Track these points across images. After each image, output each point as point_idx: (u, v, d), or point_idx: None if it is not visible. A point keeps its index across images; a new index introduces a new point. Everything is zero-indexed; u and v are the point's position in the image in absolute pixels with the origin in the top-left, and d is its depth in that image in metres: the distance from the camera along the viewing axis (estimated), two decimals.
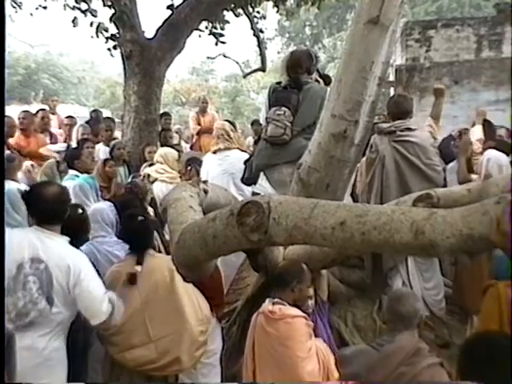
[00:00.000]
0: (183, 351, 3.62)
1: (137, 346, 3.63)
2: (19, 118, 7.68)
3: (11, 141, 7.34)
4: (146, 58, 7.71)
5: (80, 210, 4.13)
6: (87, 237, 4.19)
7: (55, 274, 3.22)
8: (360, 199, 4.78)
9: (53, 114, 9.98)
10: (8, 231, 3.45)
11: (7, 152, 6.57)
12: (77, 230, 3.96)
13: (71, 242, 3.85)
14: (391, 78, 12.66)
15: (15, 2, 9.36)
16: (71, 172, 5.93)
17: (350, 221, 2.16)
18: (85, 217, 4.16)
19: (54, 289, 3.23)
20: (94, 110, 9.09)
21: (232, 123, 6.56)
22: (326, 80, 4.91)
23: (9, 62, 30.53)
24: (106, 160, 6.40)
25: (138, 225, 3.92)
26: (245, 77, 16.94)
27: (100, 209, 4.50)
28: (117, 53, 8.30)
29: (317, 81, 4.89)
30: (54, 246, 3.30)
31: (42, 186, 3.57)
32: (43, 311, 3.19)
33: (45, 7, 9.52)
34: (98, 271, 3.50)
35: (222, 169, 6.02)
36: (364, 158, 4.70)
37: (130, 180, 6.17)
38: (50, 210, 3.37)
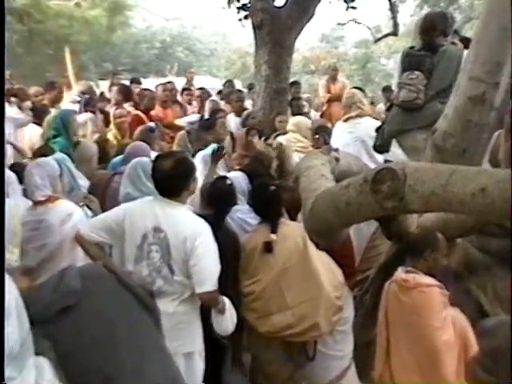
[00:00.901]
0: (321, 316, 3.66)
1: (274, 312, 3.71)
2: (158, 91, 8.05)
3: (152, 113, 7.69)
4: (276, 27, 7.71)
5: (228, 182, 4.24)
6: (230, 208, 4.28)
7: (172, 243, 3.33)
8: (502, 166, 4.56)
9: (190, 85, 10.34)
10: (133, 202, 3.62)
11: (150, 123, 6.92)
12: (225, 201, 4.11)
13: (219, 213, 3.98)
14: None
15: None
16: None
17: (491, 187, 2.06)
18: (233, 188, 4.24)
19: (173, 257, 3.35)
20: (227, 81, 9.23)
21: (362, 90, 6.46)
22: (465, 43, 4.69)
23: (146, 36, 31.84)
24: (248, 129, 6.51)
25: (270, 194, 3.98)
26: (376, 42, 16.59)
27: (233, 177, 4.61)
28: (247, 23, 8.39)
29: (453, 43, 4.69)
30: (173, 215, 3.41)
31: (162, 157, 3.64)
32: (167, 279, 3.33)
33: None
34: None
35: (353, 136, 5.96)
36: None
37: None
38: (168, 182, 3.47)
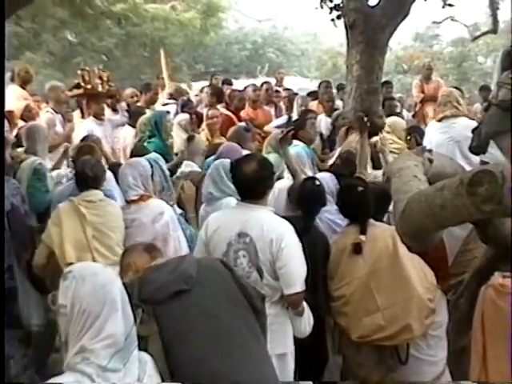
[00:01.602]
0: (413, 318, 3.60)
1: (365, 314, 3.68)
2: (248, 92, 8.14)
3: (242, 113, 7.79)
4: (369, 27, 7.60)
5: (317, 182, 4.23)
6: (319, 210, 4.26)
7: (259, 246, 3.34)
8: None
9: (280, 86, 10.38)
10: (213, 216, 3.64)
11: (242, 124, 7.00)
12: (314, 202, 4.10)
13: (308, 214, 3.98)
14: None
15: None
16: (295, 142, 6.10)
17: None
18: (322, 188, 4.23)
19: (260, 260, 3.36)
20: (324, 81, 9.16)
21: (459, 89, 6.27)
22: None
23: (238, 37, 32.27)
24: (348, 128, 6.45)
25: (359, 195, 3.94)
26: (473, 40, 16.03)
27: (321, 178, 4.59)
28: (340, 23, 8.32)
29: None
30: (258, 218, 3.41)
31: (242, 160, 3.64)
32: (256, 283, 3.32)
33: None
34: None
35: (447, 137, 5.78)
36: None
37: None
38: (249, 186, 3.48)
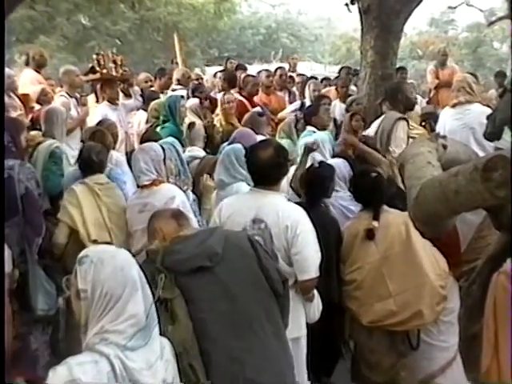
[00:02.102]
0: (424, 305, 3.61)
1: (376, 300, 3.70)
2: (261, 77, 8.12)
3: (255, 99, 7.78)
4: (384, 12, 7.56)
5: (317, 166, 4.26)
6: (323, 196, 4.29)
7: (274, 232, 3.35)
8: None
9: (293, 72, 10.34)
10: (226, 201, 3.66)
11: (257, 108, 7.00)
12: (320, 186, 4.12)
13: (313, 198, 3.99)
14: None
15: None
16: (309, 128, 6.10)
17: None
18: (330, 173, 4.30)
19: (275, 246, 3.37)
20: (344, 67, 9.08)
21: (474, 75, 6.22)
22: None
23: (252, 22, 32.14)
24: (352, 114, 6.46)
25: (372, 181, 3.94)
26: (489, 25, 15.87)
27: (334, 164, 4.60)
28: (354, 8, 8.27)
29: None
30: (272, 205, 3.42)
31: (258, 146, 3.65)
32: None
33: None
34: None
35: (461, 123, 5.76)
36: None
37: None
38: (265, 172, 3.48)
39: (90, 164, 4.39)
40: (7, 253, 2.34)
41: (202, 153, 5.73)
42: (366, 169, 4.25)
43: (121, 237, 4.27)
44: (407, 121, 5.89)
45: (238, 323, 2.57)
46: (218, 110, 7.03)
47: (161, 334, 2.18)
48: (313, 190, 4.16)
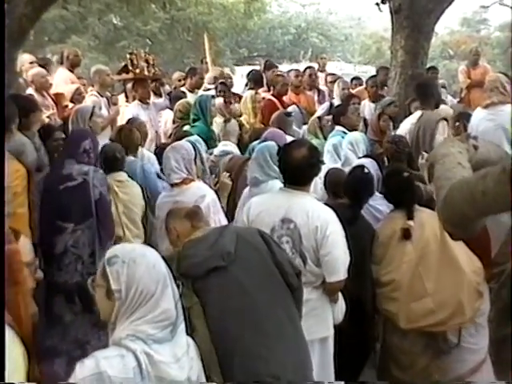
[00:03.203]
0: (463, 302, 3.57)
1: (413, 300, 3.66)
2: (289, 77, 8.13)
3: (284, 98, 7.78)
4: (415, 11, 7.50)
5: (365, 170, 4.21)
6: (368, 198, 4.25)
7: (304, 232, 3.34)
8: None
9: (321, 71, 10.31)
10: (255, 200, 3.68)
11: (291, 107, 7.01)
12: (359, 190, 4.09)
13: (357, 202, 3.97)
14: None
15: None
16: (337, 128, 6.07)
17: None
18: (370, 177, 4.21)
19: (304, 247, 3.37)
20: (382, 67, 9.01)
21: (507, 75, 6.13)
22: None
23: (281, 22, 32.09)
24: (380, 114, 6.42)
25: (404, 180, 3.91)
26: None
27: (363, 164, 4.57)
28: (385, 7, 8.22)
29: None
30: (302, 205, 3.41)
31: (292, 146, 3.64)
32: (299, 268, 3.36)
33: None
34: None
35: (494, 124, 5.67)
36: None
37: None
38: (297, 172, 3.47)
39: (114, 162, 4.58)
40: (26, 242, 2.40)
41: (235, 148, 5.79)
42: (397, 168, 4.21)
43: (136, 230, 4.55)
44: (447, 121, 5.86)
45: (257, 320, 2.58)
46: (242, 109, 7.05)
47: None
48: (359, 193, 4.10)
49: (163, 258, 2.20)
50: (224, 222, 4.26)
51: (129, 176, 4.68)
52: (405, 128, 6.12)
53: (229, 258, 2.62)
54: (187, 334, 2.22)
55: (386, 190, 4.08)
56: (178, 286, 2.31)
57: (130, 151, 4.99)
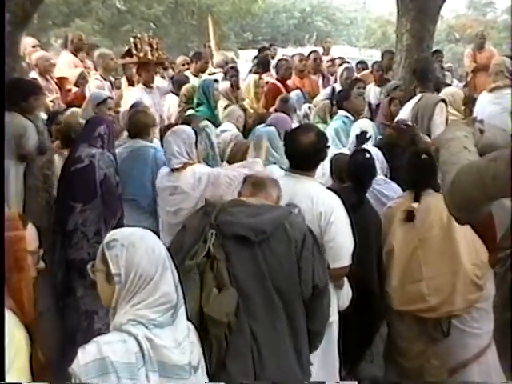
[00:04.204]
0: (456, 292, 3.56)
1: (409, 282, 3.67)
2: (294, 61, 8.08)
3: (289, 82, 7.74)
4: None
5: (367, 155, 4.15)
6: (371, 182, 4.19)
7: (308, 218, 3.27)
8: None
9: (327, 55, 10.26)
10: None
11: (295, 91, 6.97)
12: (361, 175, 4.05)
13: (361, 187, 3.95)
14: None
15: None
16: (341, 113, 6.01)
17: None
18: (372, 161, 4.14)
19: None
20: (387, 51, 8.95)
21: None
22: None
23: (286, 6, 31.90)
24: (391, 99, 6.38)
25: (422, 162, 3.86)
26: None
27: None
28: None
29: None
30: (306, 190, 3.38)
31: (299, 131, 3.62)
32: None
33: None
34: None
35: (499, 108, 5.65)
36: None
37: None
38: (304, 157, 3.44)
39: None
40: (33, 231, 2.39)
41: (233, 128, 5.73)
42: (418, 149, 4.15)
43: None
44: (445, 102, 5.81)
45: (260, 307, 2.61)
46: (246, 94, 7.02)
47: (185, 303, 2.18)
48: (361, 177, 4.07)
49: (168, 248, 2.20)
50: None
51: (139, 161, 4.65)
52: (406, 112, 6.08)
53: (260, 236, 2.63)
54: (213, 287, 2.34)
55: (404, 170, 4.02)
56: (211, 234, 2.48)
57: (144, 134, 4.86)
